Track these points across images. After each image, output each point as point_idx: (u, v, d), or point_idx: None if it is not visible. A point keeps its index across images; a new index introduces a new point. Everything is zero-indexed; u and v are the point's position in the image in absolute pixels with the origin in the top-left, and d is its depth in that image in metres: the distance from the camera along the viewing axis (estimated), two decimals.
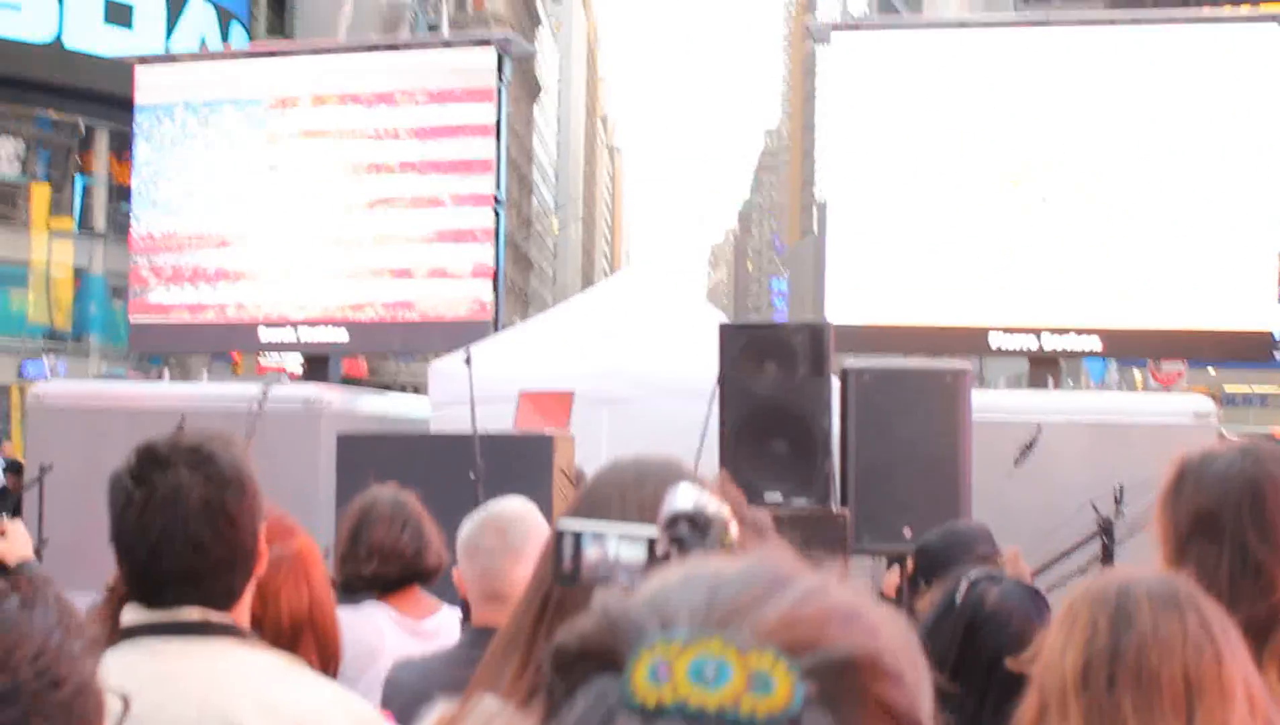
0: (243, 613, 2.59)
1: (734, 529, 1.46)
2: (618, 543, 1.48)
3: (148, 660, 2.47)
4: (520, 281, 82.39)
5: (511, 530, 3.61)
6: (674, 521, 1.44)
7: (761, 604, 0.91)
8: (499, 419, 9.52)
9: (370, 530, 4.37)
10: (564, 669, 0.94)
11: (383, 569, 4.34)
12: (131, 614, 2.54)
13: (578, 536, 1.50)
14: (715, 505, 1.46)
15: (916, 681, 0.93)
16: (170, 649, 2.49)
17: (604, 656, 0.91)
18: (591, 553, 1.49)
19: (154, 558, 2.52)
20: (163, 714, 2.40)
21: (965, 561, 4.47)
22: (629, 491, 2.06)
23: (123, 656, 2.47)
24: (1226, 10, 13.82)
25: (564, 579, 1.51)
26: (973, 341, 13.66)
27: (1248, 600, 2.22)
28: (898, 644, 0.94)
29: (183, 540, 2.49)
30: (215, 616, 2.53)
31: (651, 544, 1.46)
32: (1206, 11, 14.07)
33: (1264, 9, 14.00)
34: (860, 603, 0.95)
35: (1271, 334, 13.55)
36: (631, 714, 0.87)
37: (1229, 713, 2.04)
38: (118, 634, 2.53)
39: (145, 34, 31.73)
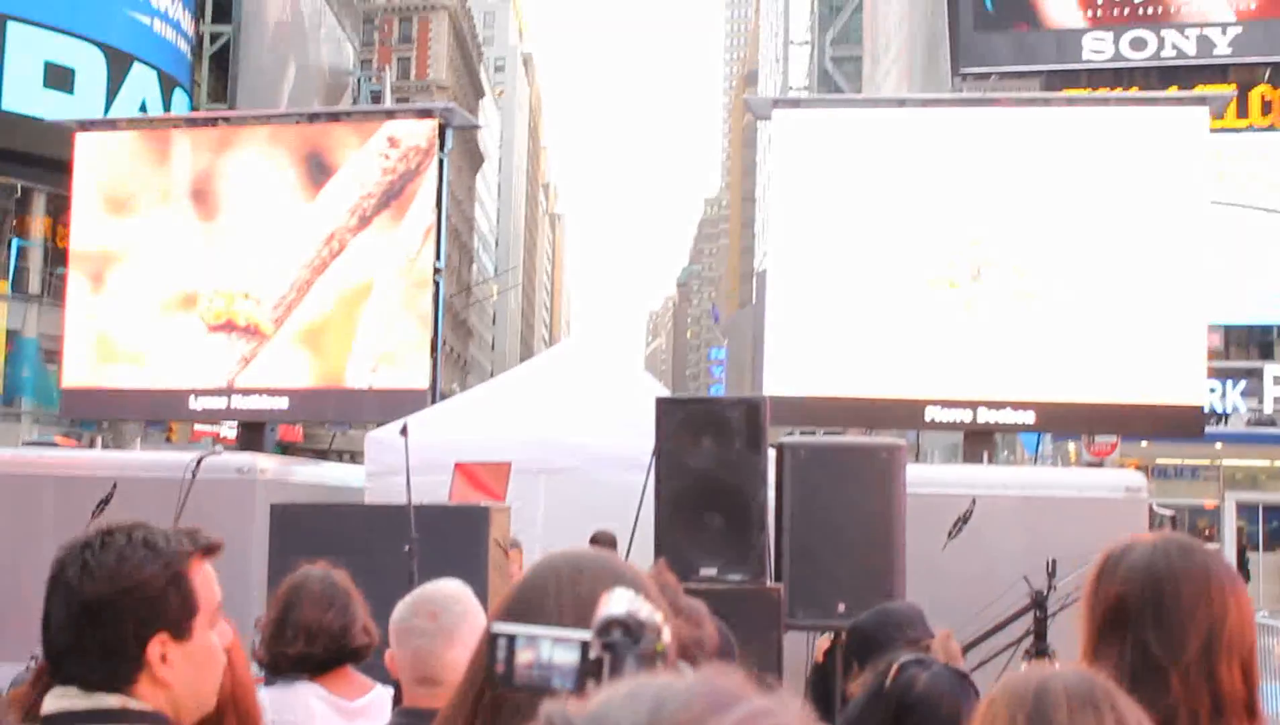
0: (158, 696, 2.55)
1: (667, 634, 1.48)
2: (551, 646, 1.49)
3: None
4: (460, 348, 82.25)
5: (444, 613, 3.59)
6: (607, 627, 1.46)
7: (701, 724, 0.92)
8: (436, 489, 9.49)
9: (298, 610, 4.33)
10: None
11: (309, 648, 4.30)
12: (53, 701, 2.52)
13: (511, 639, 1.51)
14: (648, 610, 1.47)
15: None
16: None
17: None
18: (525, 655, 1.49)
19: (42, 630, 2.53)
20: None
21: (897, 643, 4.49)
22: (564, 587, 2.06)
23: None
24: (1157, 92, 14.08)
25: (498, 681, 1.51)
26: (909, 414, 13.75)
27: (1147, 700, 2.23)
28: None
29: (54, 620, 2.49)
30: (135, 704, 2.49)
31: (585, 647, 1.47)
32: (1138, 94, 14.34)
33: (1193, 91, 14.29)
34: (804, 721, 0.96)
35: (1201, 408, 13.73)
36: None
37: None
38: (40, 723, 2.50)
39: (86, 99, 31.57)
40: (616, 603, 1.49)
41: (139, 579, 2.51)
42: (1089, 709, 2.13)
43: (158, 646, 2.52)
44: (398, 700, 3.82)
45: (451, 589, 3.70)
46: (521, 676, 1.49)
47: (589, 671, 1.44)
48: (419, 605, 3.66)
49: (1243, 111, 31.40)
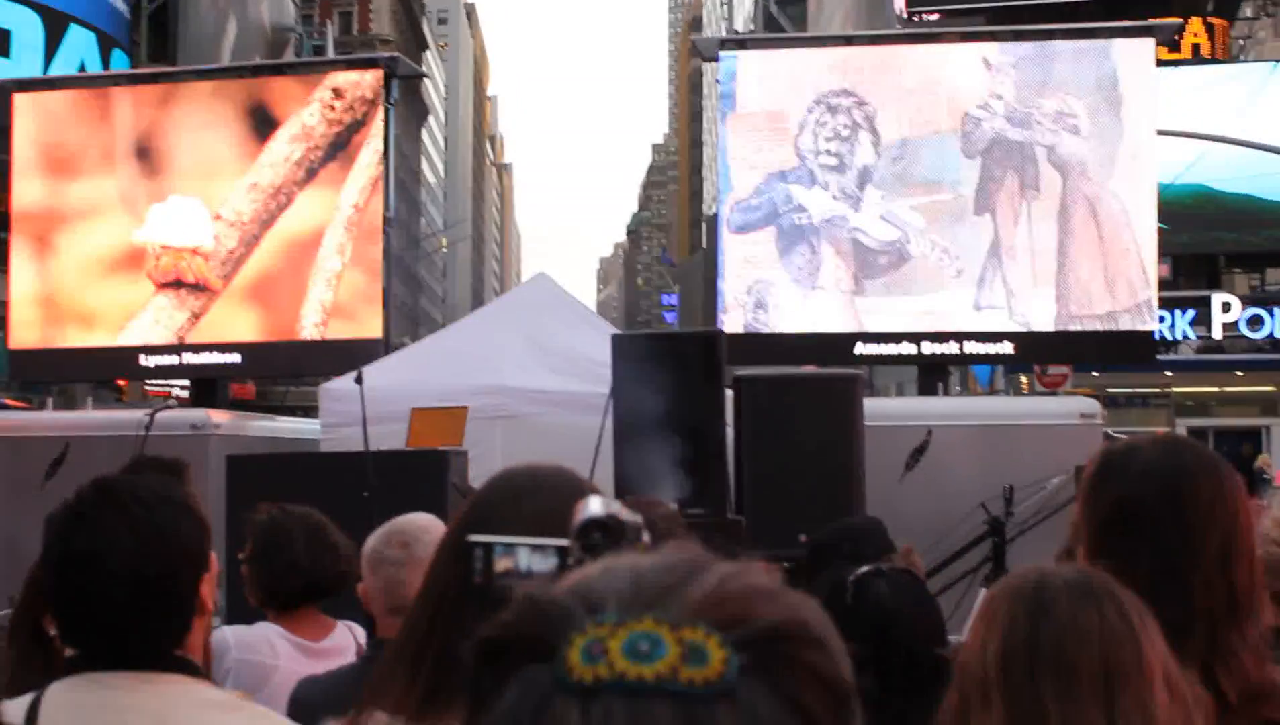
0: (194, 650, 2.55)
1: (646, 536, 1.46)
2: (529, 554, 1.47)
3: (98, 693, 2.42)
4: (410, 302, 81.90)
5: (416, 542, 3.61)
6: (586, 529, 1.44)
7: (685, 585, 0.93)
8: (391, 439, 9.47)
9: (300, 542, 4.33)
10: (490, 660, 0.94)
11: (316, 579, 4.30)
12: (167, 691, 2.47)
13: (488, 548, 1.49)
14: (628, 513, 1.46)
15: (840, 650, 0.96)
16: (120, 683, 2.43)
17: (532, 644, 0.91)
18: (502, 564, 1.48)
19: (76, 616, 2.47)
20: None
21: (860, 558, 4.48)
22: (523, 498, 2.05)
23: (71, 689, 2.42)
24: (1102, 23, 14.08)
25: (475, 592, 1.50)
26: (849, 347, 13.71)
27: (1166, 603, 2.22)
28: (816, 616, 0.96)
29: (106, 603, 2.44)
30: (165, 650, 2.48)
31: (563, 553, 1.45)
32: (1083, 25, 14.32)
33: (1138, 22, 14.30)
34: (777, 583, 0.97)
35: (1152, 334, 13.82)
36: (568, 695, 0.87)
37: (1148, 697, 2.07)
38: (65, 666, 2.47)
39: (23, 61, 31.00)
40: (595, 505, 1.47)
41: (189, 539, 2.50)
42: (1089, 600, 2.14)
43: (205, 587, 2.53)
44: (373, 632, 3.83)
45: (422, 520, 3.72)
46: (499, 586, 1.47)
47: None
48: (391, 536, 3.68)
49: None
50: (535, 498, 2.03)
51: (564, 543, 1.46)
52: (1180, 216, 29.48)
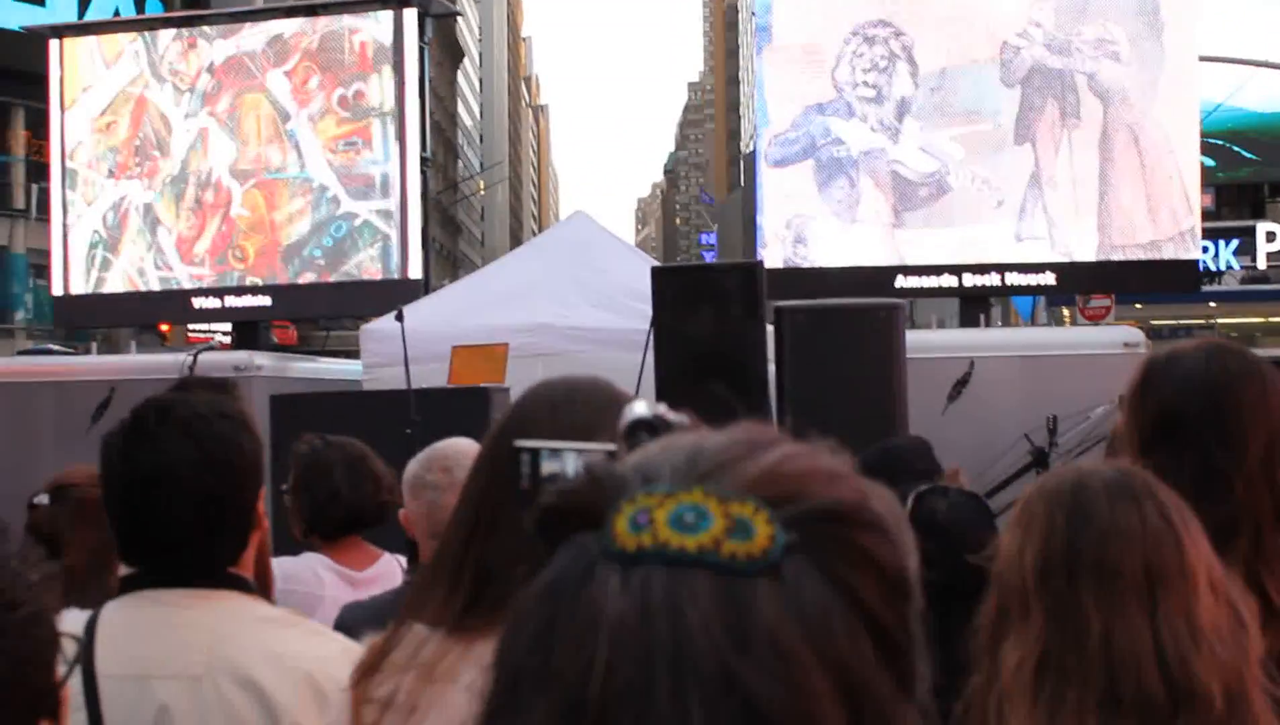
0: (246, 567, 2.57)
1: None
2: (576, 458, 1.46)
3: (153, 609, 2.45)
4: (449, 245, 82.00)
5: (457, 467, 3.60)
6: (633, 429, 1.43)
7: (743, 461, 0.92)
8: (433, 378, 9.49)
9: (332, 475, 4.35)
10: (547, 529, 0.94)
11: (358, 508, 4.33)
12: (220, 607, 2.51)
13: (535, 453, 1.48)
14: (673, 414, 1.45)
15: (903, 540, 0.93)
16: (176, 599, 2.46)
17: (587, 513, 0.91)
18: (549, 469, 1.47)
19: (143, 533, 2.49)
20: (172, 663, 2.39)
21: (905, 477, 4.46)
22: (560, 408, 2.04)
23: (127, 606, 2.45)
24: None
25: (523, 498, 1.49)
26: (897, 281, 13.65)
27: (1210, 507, 2.20)
28: (884, 504, 0.94)
29: (170, 519, 2.45)
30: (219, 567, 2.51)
31: (611, 457, 1.44)
32: None
33: None
34: (845, 466, 0.95)
35: (1196, 263, 13.70)
36: (611, 561, 0.87)
37: (1191, 598, 2.04)
38: (120, 584, 2.50)
39: (58, 9, 31.15)
40: (639, 407, 1.46)
41: (249, 454, 2.53)
42: (1129, 501, 2.11)
43: (260, 503, 2.59)
44: (414, 558, 3.85)
45: (463, 444, 3.72)
46: (545, 491, 1.47)
47: None
48: (432, 461, 3.69)
49: None
50: (571, 408, 2.03)
51: (611, 447, 1.45)
52: (1267, 145, 29.17)
